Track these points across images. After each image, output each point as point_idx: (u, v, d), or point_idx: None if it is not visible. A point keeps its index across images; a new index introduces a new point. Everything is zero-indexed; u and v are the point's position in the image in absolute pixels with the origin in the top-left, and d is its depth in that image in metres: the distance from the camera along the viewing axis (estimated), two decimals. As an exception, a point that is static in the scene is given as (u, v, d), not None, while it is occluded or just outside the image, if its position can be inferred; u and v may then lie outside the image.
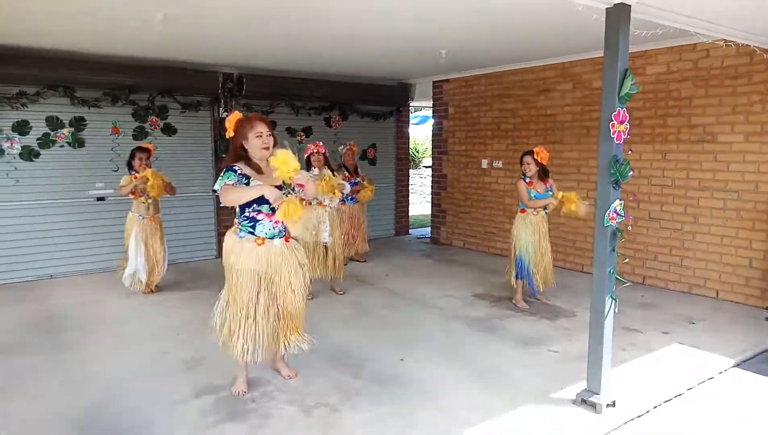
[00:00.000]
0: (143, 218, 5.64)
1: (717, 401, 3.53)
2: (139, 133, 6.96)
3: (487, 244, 8.13)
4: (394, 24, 4.99)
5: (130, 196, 5.60)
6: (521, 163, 5.22)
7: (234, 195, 3.18)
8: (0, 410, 3.34)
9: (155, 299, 5.67)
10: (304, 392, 3.55)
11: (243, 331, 3.36)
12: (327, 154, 5.84)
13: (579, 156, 6.72)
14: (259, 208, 3.31)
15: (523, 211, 5.26)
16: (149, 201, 5.63)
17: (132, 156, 5.59)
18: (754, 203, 5.31)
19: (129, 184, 5.45)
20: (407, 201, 9.86)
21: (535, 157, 5.10)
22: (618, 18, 3.15)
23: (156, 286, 5.89)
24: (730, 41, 4.31)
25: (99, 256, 6.78)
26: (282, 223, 3.33)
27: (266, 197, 3.18)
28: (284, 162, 3.10)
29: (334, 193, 5.51)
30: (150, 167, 5.58)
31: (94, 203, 6.79)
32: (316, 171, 5.69)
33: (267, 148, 3.29)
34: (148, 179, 5.39)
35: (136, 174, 5.51)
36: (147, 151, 5.65)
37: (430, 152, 10.11)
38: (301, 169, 3.22)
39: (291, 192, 3.21)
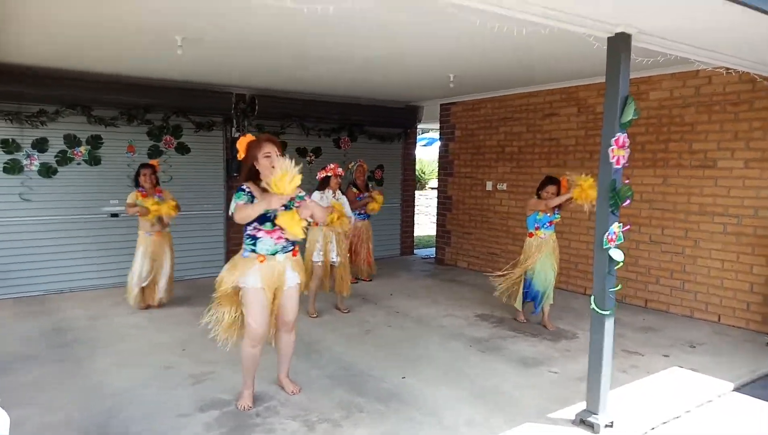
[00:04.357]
0: (150, 235, 5.80)
1: (715, 425, 3.57)
2: (154, 152, 7.15)
3: (490, 265, 8.18)
4: (403, 50, 5.15)
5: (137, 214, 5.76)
6: (542, 187, 5.20)
7: (243, 212, 3.31)
8: (15, 416, 3.40)
9: (163, 314, 5.78)
10: (308, 408, 3.62)
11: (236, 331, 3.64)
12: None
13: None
14: (259, 226, 3.42)
15: (531, 234, 5.33)
16: (153, 218, 5.77)
17: (138, 173, 5.79)
18: (753, 228, 5.37)
19: (132, 206, 5.64)
20: (413, 221, 9.97)
21: (560, 187, 5.12)
22: (619, 46, 3.26)
23: (160, 302, 5.97)
24: (731, 69, 4.41)
25: (110, 271, 6.93)
26: (284, 237, 3.47)
27: (273, 206, 3.26)
28: (279, 181, 3.16)
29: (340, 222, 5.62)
30: (158, 183, 5.80)
31: (108, 219, 6.95)
32: (329, 193, 5.77)
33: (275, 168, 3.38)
34: (148, 210, 5.59)
35: (143, 190, 5.71)
36: (152, 167, 5.84)
37: (436, 174, 10.22)
38: (303, 190, 3.42)
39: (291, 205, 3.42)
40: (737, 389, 4.11)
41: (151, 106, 6.94)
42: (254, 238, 3.45)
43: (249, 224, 3.43)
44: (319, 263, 5.66)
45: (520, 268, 5.38)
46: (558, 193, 5.11)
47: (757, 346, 4.98)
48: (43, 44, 5.04)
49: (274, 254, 3.47)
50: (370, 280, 7.46)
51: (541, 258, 5.26)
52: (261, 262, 3.43)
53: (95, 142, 6.80)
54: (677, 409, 3.69)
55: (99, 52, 5.34)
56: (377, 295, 6.74)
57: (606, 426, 3.37)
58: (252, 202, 3.37)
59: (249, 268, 3.44)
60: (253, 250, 3.45)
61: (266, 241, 3.44)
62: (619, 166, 3.32)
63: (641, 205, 6.15)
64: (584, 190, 4.76)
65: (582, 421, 3.43)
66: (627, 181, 3.38)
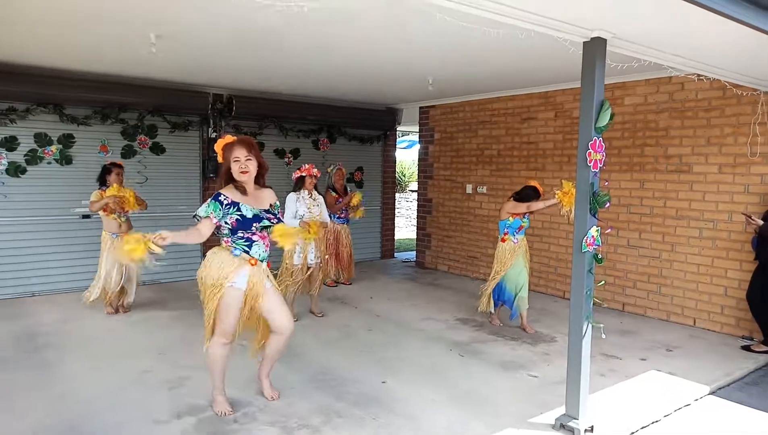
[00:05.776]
0: (116, 236, 5.57)
1: (692, 428, 3.60)
2: (128, 152, 6.99)
3: (470, 268, 8.21)
4: (383, 54, 5.13)
5: (101, 214, 5.54)
6: (525, 199, 5.18)
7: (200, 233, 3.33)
8: (-21, 428, 3.31)
9: (138, 318, 5.64)
10: (287, 413, 3.56)
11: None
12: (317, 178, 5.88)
13: (560, 183, 6.85)
14: (253, 230, 3.39)
15: (503, 239, 5.34)
16: (122, 218, 5.58)
17: (108, 171, 5.56)
18: (728, 233, 5.46)
19: (100, 199, 5.40)
20: (393, 224, 9.94)
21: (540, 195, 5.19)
22: (594, 51, 3.28)
23: (124, 306, 5.80)
24: (702, 75, 4.47)
25: (82, 274, 6.72)
26: (270, 247, 3.50)
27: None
28: (284, 237, 3.42)
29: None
30: (122, 185, 5.58)
31: (79, 221, 6.77)
32: (305, 193, 5.71)
33: (244, 173, 3.36)
34: (119, 198, 5.38)
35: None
36: (121, 166, 5.68)
37: (417, 176, 10.23)
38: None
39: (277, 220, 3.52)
40: (713, 392, 4.16)
41: (126, 104, 6.79)
42: (250, 240, 3.40)
43: (242, 229, 3.36)
44: (299, 266, 5.59)
45: (497, 276, 5.37)
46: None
47: (732, 349, 5.06)
48: (15, 40, 4.89)
49: (262, 260, 3.47)
50: (350, 284, 7.41)
51: (514, 263, 5.28)
52: (252, 264, 3.39)
53: (67, 141, 6.62)
54: (656, 413, 3.72)
55: (72, 49, 5.20)
56: (357, 299, 6.69)
57: (586, 430, 3.37)
58: (236, 210, 3.32)
59: (241, 269, 3.38)
60: (246, 252, 3.40)
61: (260, 246, 3.44)
62: (597, 170, 3.34)
63: (619, 209, 6.22)
64: (572, 196, 4.71)
65: (562, 426, 3.43)
66: (606, 184, 3.40)
